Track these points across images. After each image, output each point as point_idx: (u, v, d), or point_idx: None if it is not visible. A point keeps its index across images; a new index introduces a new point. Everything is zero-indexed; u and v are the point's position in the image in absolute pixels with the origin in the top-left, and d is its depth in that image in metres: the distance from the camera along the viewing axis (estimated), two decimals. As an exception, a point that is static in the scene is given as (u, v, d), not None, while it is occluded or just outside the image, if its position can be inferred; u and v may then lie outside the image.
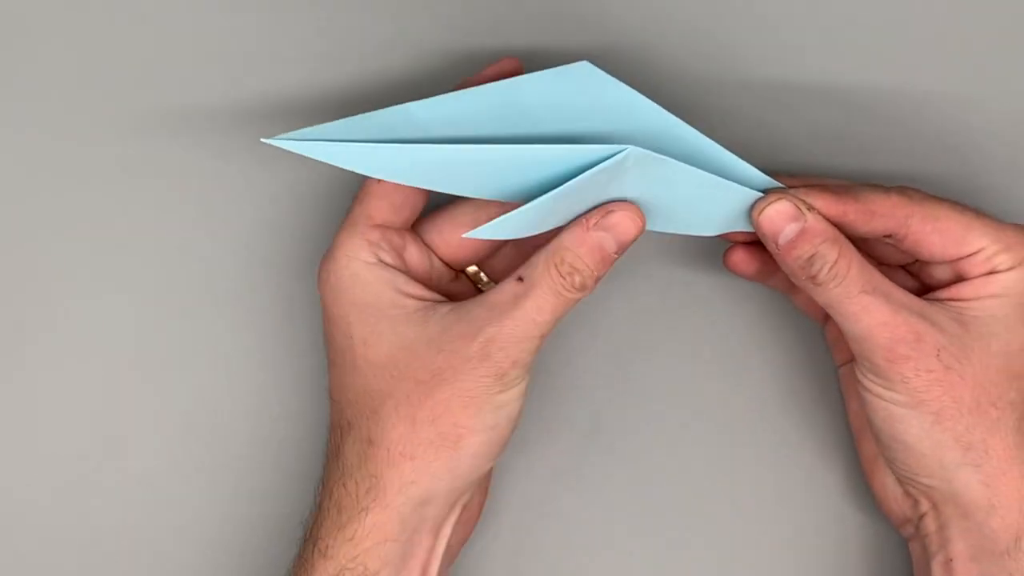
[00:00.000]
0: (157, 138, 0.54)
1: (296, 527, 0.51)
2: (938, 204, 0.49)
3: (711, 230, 0.49)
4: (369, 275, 0.48)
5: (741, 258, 0.52)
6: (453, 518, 0.49)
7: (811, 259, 0.47)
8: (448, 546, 0.50)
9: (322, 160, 0.46)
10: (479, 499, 0.52)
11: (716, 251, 0.53)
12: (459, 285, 0.52)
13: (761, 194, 0.48)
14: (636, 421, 0.55)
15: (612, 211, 0.47)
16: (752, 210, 0.48)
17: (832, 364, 0.54)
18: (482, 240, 0.48)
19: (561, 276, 0.47)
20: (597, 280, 0.47)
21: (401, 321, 0.48)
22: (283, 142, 0.45)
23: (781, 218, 0.47)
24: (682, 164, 0.46)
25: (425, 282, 0.50)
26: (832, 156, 0.55)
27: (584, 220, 0.47)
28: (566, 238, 0.47)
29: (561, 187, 0.45)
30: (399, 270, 0.49)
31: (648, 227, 0.48)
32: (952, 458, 0.48)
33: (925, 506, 0.50)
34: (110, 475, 0.55)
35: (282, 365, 0.55)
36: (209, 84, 0.54)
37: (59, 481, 0.55)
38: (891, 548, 0.54)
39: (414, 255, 0.50)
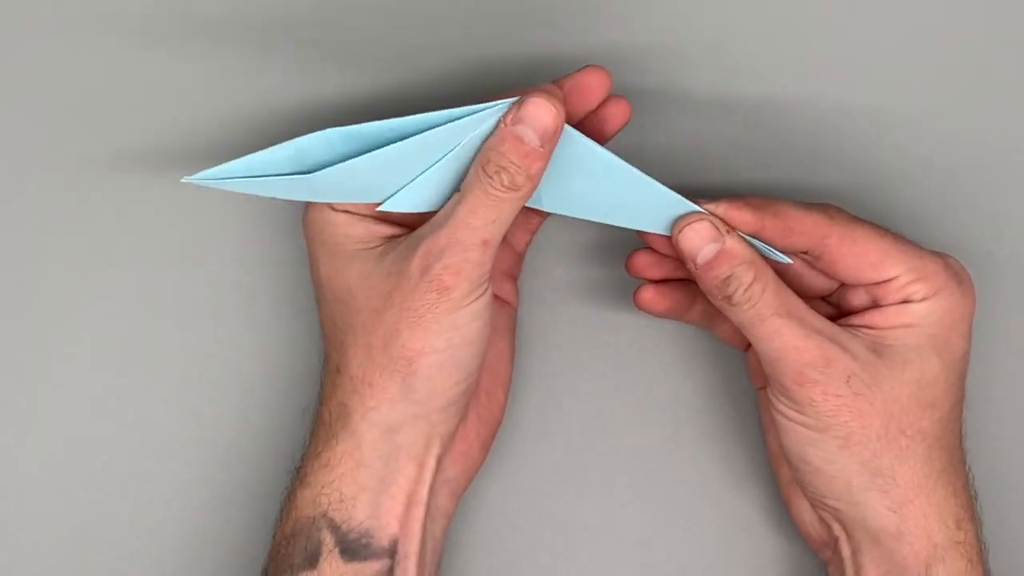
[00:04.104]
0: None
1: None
2: (858, 226, 0.49)
3: (624, 222, 0.50)
4: (338, 219, 0.50)
5: (650, 297, 0.53)
6: (436, 448, 0.50)
7: (727, 280, 0.48)
8: (446, 480, 0.51)
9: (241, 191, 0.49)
10: (479, 432, 0.52)
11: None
12: None
13: (685, 201, 0.48)
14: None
15: (523, 103, 0.47)
16: (672, 228, 0.49)
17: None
18: None
19: (488, 176, 0.47)
20: (529, 177, 0.47)
21: (362, 257, 0.49)
22: (202, 180, 0.48)
23: (700, 238, 0.48)
24: (595, 145, 0.48)
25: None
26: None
27: (502, 119, 0.47)
28: (489, 140, 0.48)
29: (450, 152, 0.47)
30: (374, 218, 0.50)
31: (565, 212, 0.49)
32: (859, 483, 0.49)
33: (838, 530, 0.50)
34: (108, 474, 0.56)
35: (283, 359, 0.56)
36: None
37: (58, 480, 0.56)
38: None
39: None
